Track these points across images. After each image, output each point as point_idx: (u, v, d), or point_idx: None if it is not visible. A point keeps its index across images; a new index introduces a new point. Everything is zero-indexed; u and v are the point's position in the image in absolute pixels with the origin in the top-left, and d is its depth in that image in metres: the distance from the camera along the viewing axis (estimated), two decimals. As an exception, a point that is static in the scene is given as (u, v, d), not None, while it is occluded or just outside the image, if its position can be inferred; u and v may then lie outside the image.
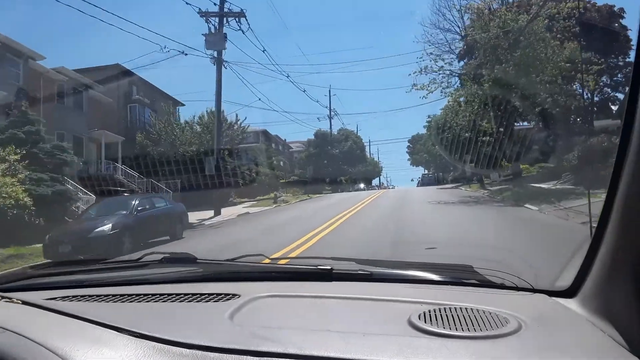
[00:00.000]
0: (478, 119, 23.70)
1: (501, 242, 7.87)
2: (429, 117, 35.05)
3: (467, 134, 32.64)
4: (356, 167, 51.30)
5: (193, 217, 17.10)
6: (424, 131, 58.46)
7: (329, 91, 47.65)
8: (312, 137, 49.04)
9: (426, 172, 58.38)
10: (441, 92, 20.97)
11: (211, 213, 19.48)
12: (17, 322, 1.06)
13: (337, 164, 47.53)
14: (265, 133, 54.35)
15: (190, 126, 28.14)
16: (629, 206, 0.94)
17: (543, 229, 9.95)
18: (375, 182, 74.88)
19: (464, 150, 31.41)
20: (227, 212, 20.06)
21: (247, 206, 24.56)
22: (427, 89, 20.10)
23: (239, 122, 30.81)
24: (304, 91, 59.08)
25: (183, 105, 30.68)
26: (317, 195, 37.02)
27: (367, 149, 64.44)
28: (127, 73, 28.03)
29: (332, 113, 47.23)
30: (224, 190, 25.35)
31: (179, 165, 25.04)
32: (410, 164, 68.31)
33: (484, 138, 26.43)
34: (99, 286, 1.57)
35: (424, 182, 52.59)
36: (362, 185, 58.23)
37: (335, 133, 49.71)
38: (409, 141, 68.42)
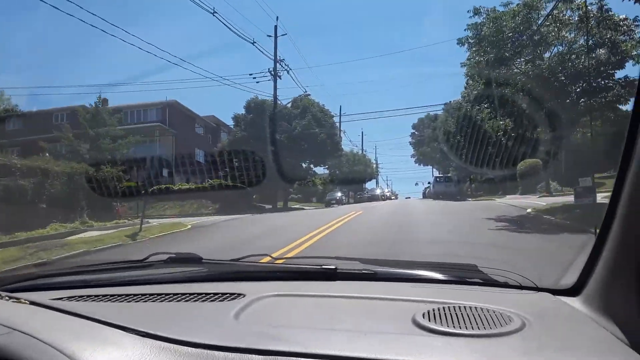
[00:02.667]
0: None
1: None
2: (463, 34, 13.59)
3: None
4: (327, 159, 30.72)
5: None
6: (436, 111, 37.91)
7: (275, 28, 26.96)
8: (243, 112, 28.20)
9: (440, 174, 37.26)
10: None
11: None
12: (26, 323, 1.07)
13: (291, 155, 26.85)
14: (175, 107, 33.77)
15: None
16: (632, 207, 0.96)
17: None
18: (370, 185, 54.55)
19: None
20: None
21: None
22: None
23: None
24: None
25: None
26: (208, 218, 16.87)
27: (350, 139, 44.71)
28: None
29: (279, 67, 26.53)
30: None
31: None
32: (415, 162, 47.94)
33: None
34: (105, 286, 1.56)
35: (436, 190, 31.86)
36: (338, 195, 37.79)
37: (286, 105, 28.78)
38: (413, 127, 48.21)
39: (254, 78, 27.85)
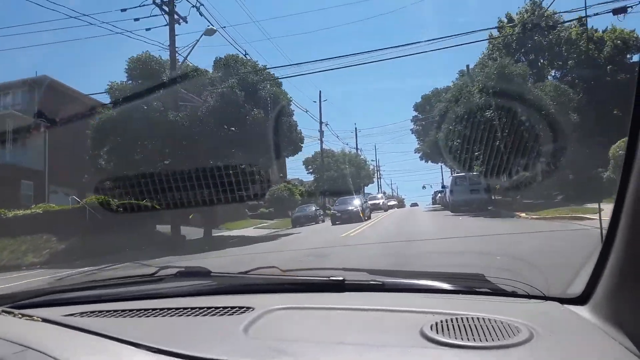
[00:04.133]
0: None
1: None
2: None
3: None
4: (279, 154, 19.46)
5: None
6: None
7: None
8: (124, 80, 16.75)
9: (459, 173, 25.65)
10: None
11: None
12: (39, 340, 1.08)
13: (212, 146, 15.54)
14: (49, 87, 22.62)
15: None
16: (637, 212, 0.95)
17: None
18: (371, 190, 43.32)
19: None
20: None
21: None
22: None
23: None
24: None
25: None
26: None
27: (335, 133, 34.59)
28: None
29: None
30: None
31: None
32: (420, 157, 36.54)
33: None
34: (115, 301, 1.59)
35: (457, 198, 20.71)
36: (312, 209, 27.08)
37: (185, 59, 17.35)
38: (415, 108, 36.95)
39: (136, 20, 16.61)
